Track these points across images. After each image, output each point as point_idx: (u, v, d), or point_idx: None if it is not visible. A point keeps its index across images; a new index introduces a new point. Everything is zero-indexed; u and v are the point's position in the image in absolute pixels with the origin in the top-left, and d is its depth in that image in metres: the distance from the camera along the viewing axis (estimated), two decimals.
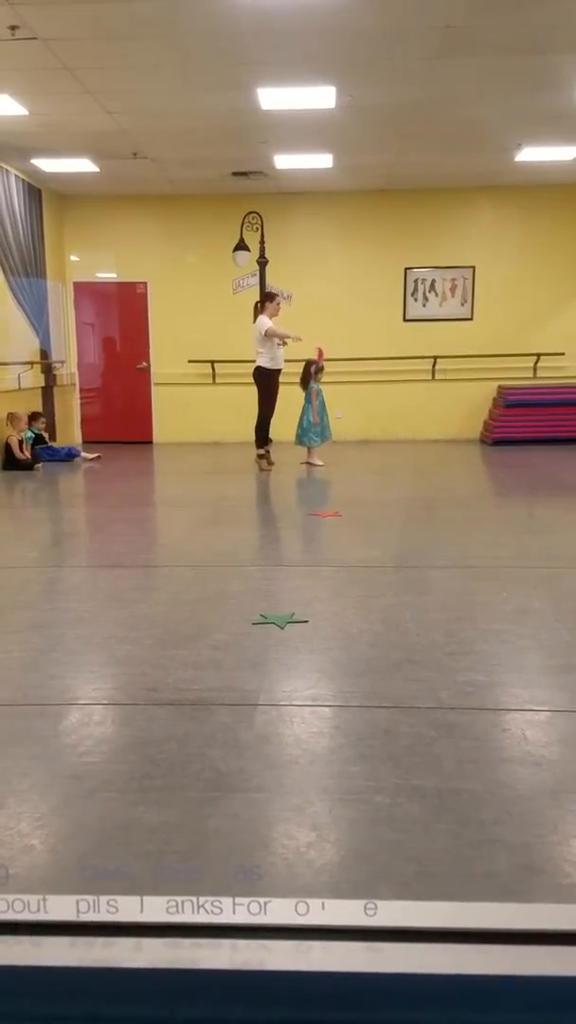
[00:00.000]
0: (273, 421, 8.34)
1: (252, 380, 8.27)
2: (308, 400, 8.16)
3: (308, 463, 8.28)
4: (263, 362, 8.09)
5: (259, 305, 8.29)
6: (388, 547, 5.05)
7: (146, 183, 9.66)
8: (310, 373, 8.12)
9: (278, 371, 8.16)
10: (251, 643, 3.32)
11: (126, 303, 10.86)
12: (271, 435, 8.42)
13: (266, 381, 8.15)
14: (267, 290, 8.28)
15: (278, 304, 8.19)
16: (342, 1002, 0.74)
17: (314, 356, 8.18)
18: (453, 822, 2.05)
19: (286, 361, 8.16)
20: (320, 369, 8.11)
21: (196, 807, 2.13)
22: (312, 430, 8.19)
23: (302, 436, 8.27)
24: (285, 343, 8.05)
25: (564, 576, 4.39)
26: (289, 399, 8.37)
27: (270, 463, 8.27)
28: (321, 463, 8.25)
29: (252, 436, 8.40)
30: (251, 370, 8.23)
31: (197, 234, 10.39)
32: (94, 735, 2.57)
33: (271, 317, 8.04)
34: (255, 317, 8.28)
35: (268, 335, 7.92)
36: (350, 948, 0.77)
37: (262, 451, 8.32)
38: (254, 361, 8.17)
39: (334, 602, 3.94)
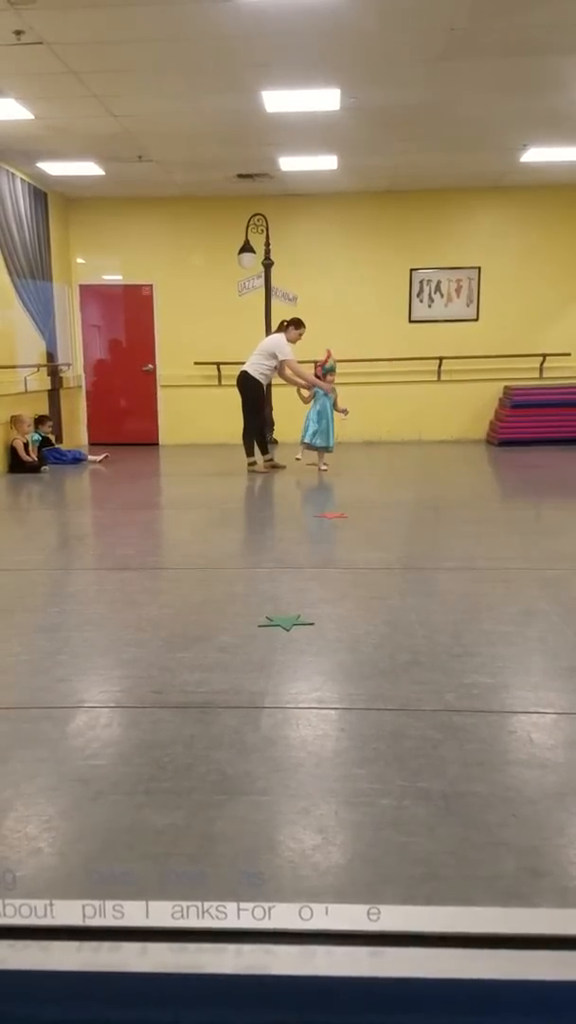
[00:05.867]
0: (278, 423, 8.33)
1: (237, 383, 8.15)
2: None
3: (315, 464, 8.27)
4: (251, 370, 8.01)
5: (284, 324, 8.11)
6: (394, 549, 5.05)
7: (151, 186, 9.68)
8: (318, 376, 8.06)
9: (263, 384, 8.13)
10: (257, 645, 3.33)
11: (132, 305, 10.88)
12: (275, 436, 8.42)
13: (252, 391, 8.09)
14: (298, 317, 8.18)
15: (302, 334, 8.04)
16: (345, 1006, 0.75)
17: (322, 358, 8.12)
18: (459, 825, 2.06)
19: (297, 363, 8.14)
20: (329, 370, 8.02)
21: (202, 810, 2.14)
22: (306, 429, 8.12)
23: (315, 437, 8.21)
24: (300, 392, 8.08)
25: (571, 578, 4.39)
26: (294, 400, 8.37)
27: (276, 466, 8.27)
28: (299, 457, 8.21)
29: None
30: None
31: (202, 236, 10.41)
32: (101, 738, 2.58)
33: (290, 341, 7.95)
34: (275, 331, 8.22)
35: (291, 372, 7.91)
36: (353, 952, 0.78)
37: (268, 457, 8.31)
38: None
39: (340, 604, 3.94)
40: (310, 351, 8.24)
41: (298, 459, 8.24)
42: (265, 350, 8.01)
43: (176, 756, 2.41)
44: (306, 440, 8.08)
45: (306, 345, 8.25)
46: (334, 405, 7.99)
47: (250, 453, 8.24)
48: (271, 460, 8.34)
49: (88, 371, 11.07)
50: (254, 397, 8.13)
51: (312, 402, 8.02)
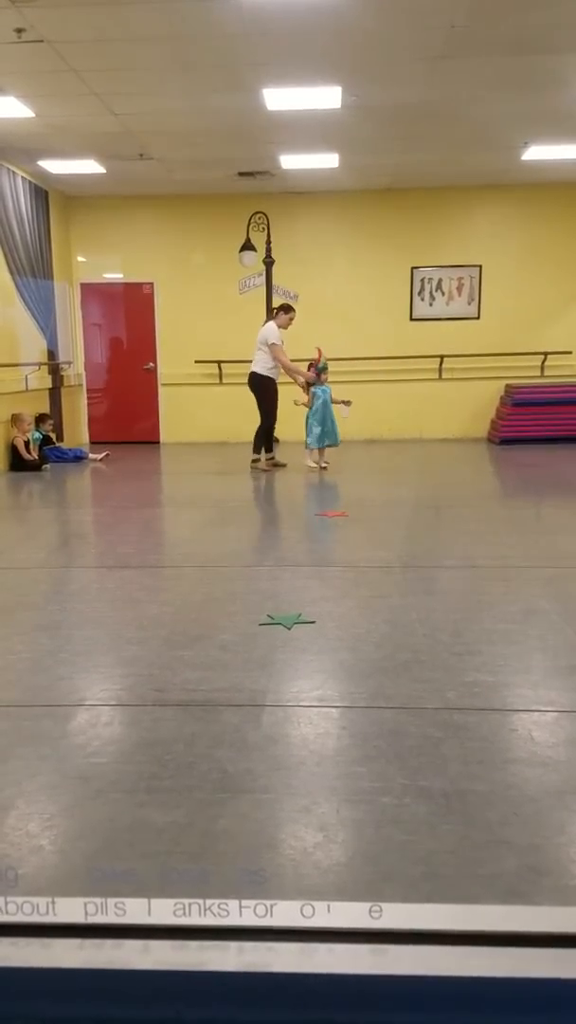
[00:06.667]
0: (279, 422, 8.32)
1: (248, 385, 8.16)
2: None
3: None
4: (258, 368, 8.02)
5: (274, 312, 8.18)
6: (395, 547, 5.05)
7: (152, 184, 9.68)
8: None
9: (274, 379, 8.10)
10: (258, 644, 3.33)
11: (133, 304, 10.88)
12: (276, 434, 8.39)
13: (263, 390, 8.09)
14: (286, 302, 8.21)
15: (292, 318, 8.05)
16: (347, 1003, 0.75)
17: (315, 357, 8.10)
18: (460, 823, 2.06)
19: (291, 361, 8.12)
20: (323, 369, 8.00)
21: (203, 808, 2.14)
22: (310, 432, 8.08)
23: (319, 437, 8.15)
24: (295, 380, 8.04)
25: (572, 577, 4.39)
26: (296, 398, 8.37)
27: (277, 465, 8.26)
28: (313, 464, 8.12)
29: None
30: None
31: (203, 234, 10.40)
32: (102, 736, 2.58)
33: (280, 327, 7.96)
34: (266, 322, 8.25)
35: (282, 365, 7.89)
36: (355, 950, 0.78)
37: (270, 455, 8.30)
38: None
39: (341, 602, 3.94)
40: (309, 349, 8.22)
41: (319, 466, 8.14)
42: (260, 341, 8.05)
43: (177, 754, 2.41)
44: (312, 444, 8.04)
45: (306, 343, 8.25)
46: (332, 400, 7.98)
47: (257, 451, 8.24)
48: (272, 458, 8.33)
49: (89, 369, 11.07)
50: (265, 396, 8.13)
51: (312, 404, 7.99)
